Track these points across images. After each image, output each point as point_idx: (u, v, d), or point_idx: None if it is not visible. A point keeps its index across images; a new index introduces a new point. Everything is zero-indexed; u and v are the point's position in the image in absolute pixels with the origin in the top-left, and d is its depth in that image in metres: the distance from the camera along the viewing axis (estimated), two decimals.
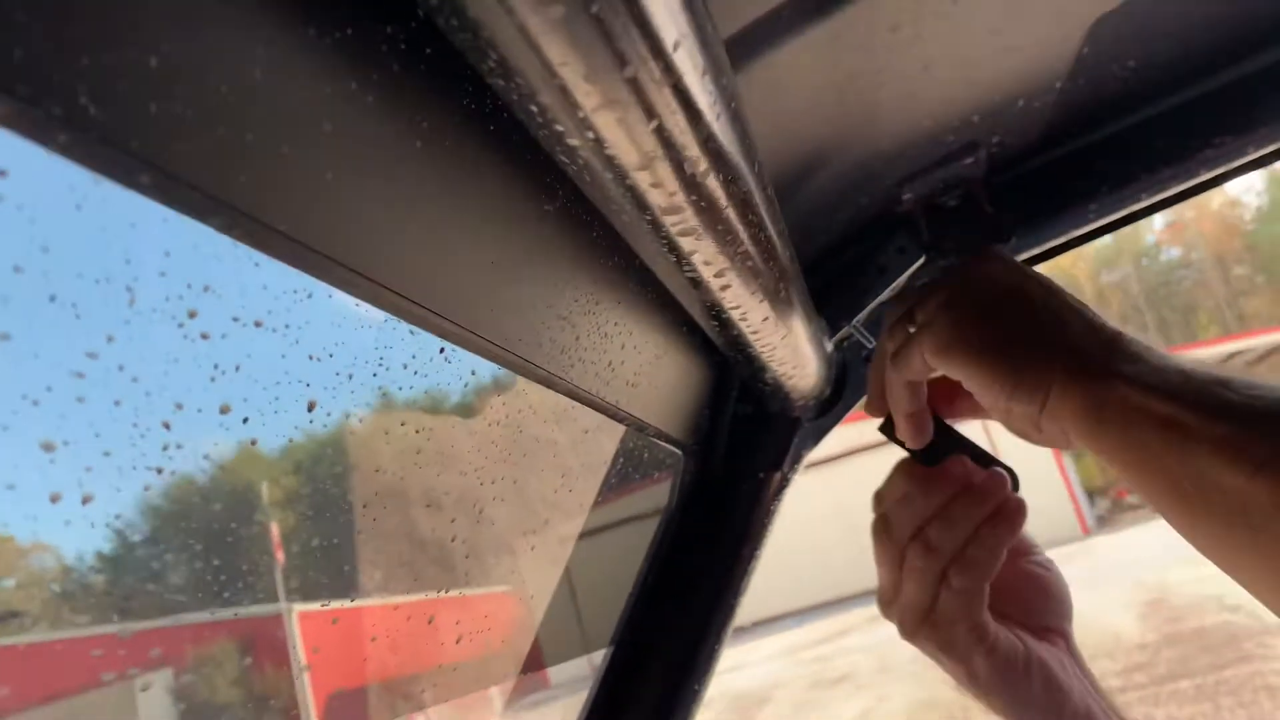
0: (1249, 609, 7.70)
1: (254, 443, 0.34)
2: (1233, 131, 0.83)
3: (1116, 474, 0.56)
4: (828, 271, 0.86)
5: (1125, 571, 12.30)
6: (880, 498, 0.76)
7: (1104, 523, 26.83)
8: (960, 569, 0.69)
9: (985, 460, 0.75)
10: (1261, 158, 0.86)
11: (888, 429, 0.79)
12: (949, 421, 0.78)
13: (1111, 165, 0.86)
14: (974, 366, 0.63)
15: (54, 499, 0.28)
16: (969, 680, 0.71)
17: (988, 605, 0.70)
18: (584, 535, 1.19)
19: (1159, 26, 0.75)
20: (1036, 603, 0.77)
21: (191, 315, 0.29)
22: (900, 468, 0.76)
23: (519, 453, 0.73)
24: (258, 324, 0.33)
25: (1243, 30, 0.78)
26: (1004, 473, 0.74)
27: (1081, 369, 0.58)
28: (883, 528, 0.75)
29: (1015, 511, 0.71)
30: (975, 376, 0.63)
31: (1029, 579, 0.79)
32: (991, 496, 0.71)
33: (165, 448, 0.32)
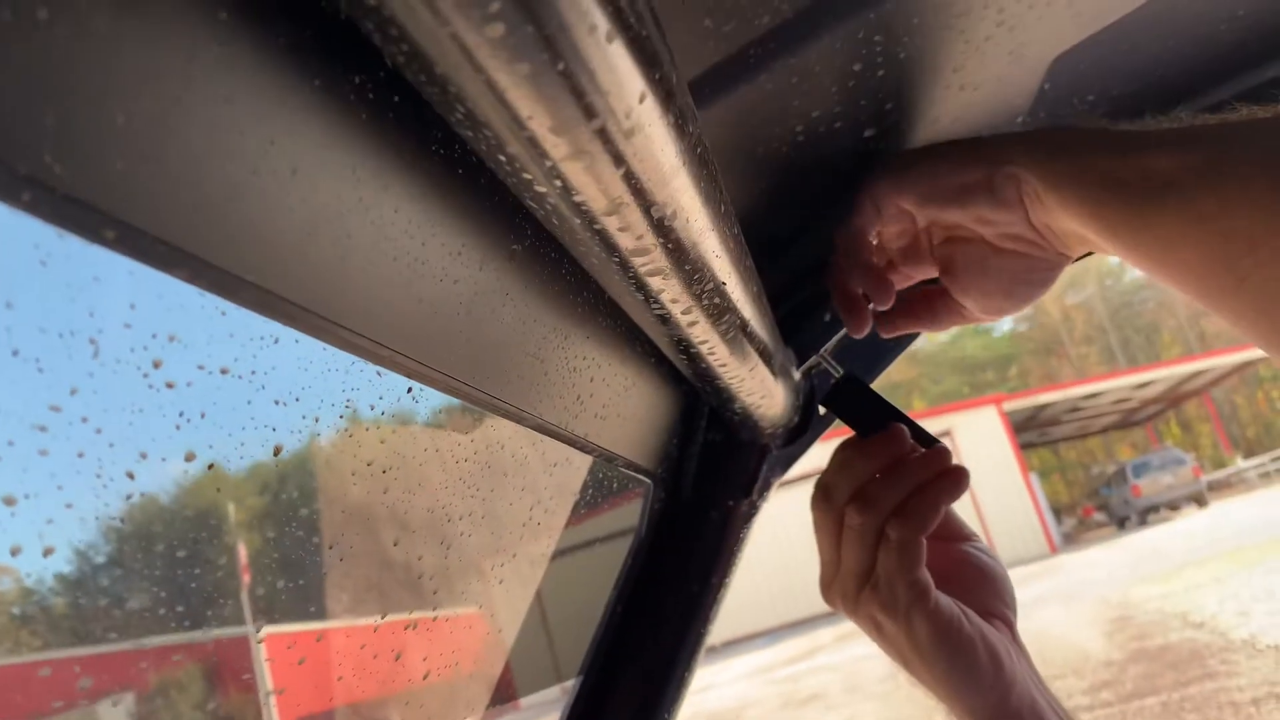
0: (1212, 625, 7.80)
1: (219, 490, 0.34)
2: None
3: (1073, 224, 0.60)
4: (795, 301, 0.87)
5: (1091, 589, 12.42)
6: (820, 478, 0.76)
7: (1070, 540, 27.09)
8: (898, 522, 0.69)
9: (927, 439, 0.75)
10: None
11: (834, 403, 0.79)
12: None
13: None
14: (925, 166, 0.67)
15: (14, 552, 0.28)
16: (910, 644, 0.70)
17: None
18: (556, 557, 1.18)
19: (1116, 63, 0.77)
20: (978, 586, 0.77)
21: (156, 365, 0.29)
22: (841, 446, 0.76)
23: (489, 482, 0.73)
24: (224, 371, 0.33)
25: (1196, 66, 0.80)
26: (947, 448, 0.74)
27: (1024, 133, 0.64)
28: (822, 495, 0.74)
29: (958, 474, 0.71)
30: (928, 174, 0.66)
31: (970, 563, 0.79)
32: (935, 463, 0.71)
33: (129, 497, 0.32)
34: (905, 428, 0.74)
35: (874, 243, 0.72)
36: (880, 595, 0.70)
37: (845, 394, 0.79)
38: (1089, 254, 0.66)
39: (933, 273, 0.73)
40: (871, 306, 0.74)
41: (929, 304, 0.76)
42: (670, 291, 0.47)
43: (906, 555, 0.69)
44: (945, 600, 0.71)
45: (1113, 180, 0.56)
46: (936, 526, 0.70)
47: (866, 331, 0.74)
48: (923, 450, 0.73)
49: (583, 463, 0.99)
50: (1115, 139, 0.58)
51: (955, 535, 0.80)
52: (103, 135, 0.23)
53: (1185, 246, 0.51)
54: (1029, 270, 0.68)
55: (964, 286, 0.71)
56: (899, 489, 0.70)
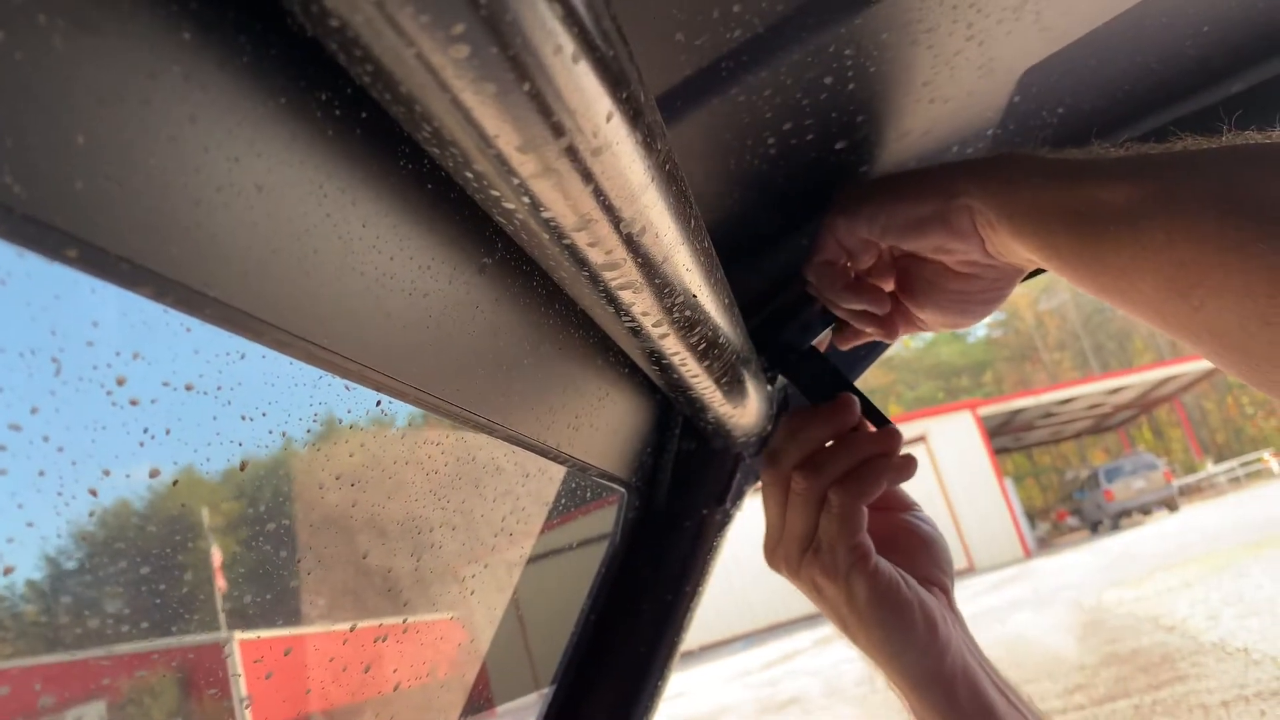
0: (1183, 629, 7.88)
1: (183, 505, 0.34)
2: None
3: (1015, 241, 0.61)
4: (768, 311, 0.87)
5: (1065, 593, 12.53)
6: (770, 444, 0.79)
7: (1044, 544, 27.30)
8: (840, 489, 0.72)
9: (880, 419, 0.77)
10: None
11: (786, 367, 0.81)
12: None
13: None
14: (882, 199, 0.68)
15: None
16: (848, 606, 0.73)
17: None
18: (535, 563, 1.18)
19: (1085, 77, 0.77)
20: (918, 553, 0.79)
21: (120, 382, 0.29)
22: (791, 414, 0.79)
23: (461, 493, 0.73)
24: (189, 387, 0.32)
25: (1163, 81, 0.81)
26: (898, 430, 0.77)
27: (976, 162, 0.66)
28: (770, 460, 0.77)
29: (906, 461, 0.74)
30: (885, 208, 0.68)
31: (910, 532, 0.81)
32: (883, 442, 0.74)
33: (91, 514, 0.32)
34: (856, 400, 0.77)
35: (846, 264, 0.74)
36: (821, 559, 0.73)
37: (800, 361, 0.80)
38: (1041, 270, 0.67)
39: (890, 286, 0.75)
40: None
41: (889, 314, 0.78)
42: (641, 305, 0.47)
43: (847, 521, 0.72)
44: (884, 565, 0.73)
45: (1064, 211, 0.57)
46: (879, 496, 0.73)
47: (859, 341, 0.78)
48: (874, 428, 0.76)
49: (558, 470, 0.99)
50: (1065, 168, 0.59)
51: (897, 504, 0.83)
52: (62, 155, 0.23)
53: (1138, 276, 0.52)
54: (984, 290, 0.70)
55: (920, 303, 0.73)
56: (844, 459, 0.73)
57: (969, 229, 0.64)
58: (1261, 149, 0.51)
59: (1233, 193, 0.48)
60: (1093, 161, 0.58)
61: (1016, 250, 0.62)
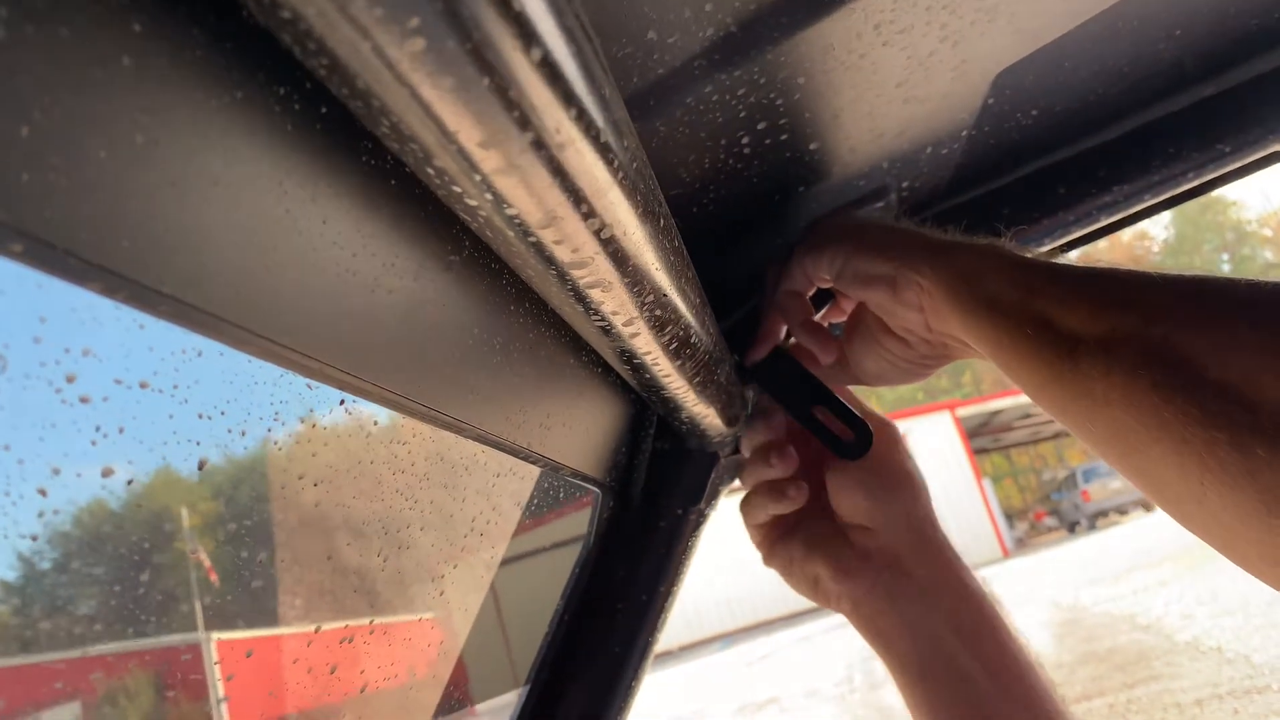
0: (1158, 628, 7.95)
1: (140, 506, 0.33)
2: (1129, 179, 0.86)
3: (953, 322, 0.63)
4: (742, 311, 0.87)
5: (1042, 592, 12.61)
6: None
7: (1022, 544, 27.48)
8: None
9: (846, 414, 0.79)
10: (1159, 203, 0.90)
11: (759, 375, 0.81)
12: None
13: (1017, 208, 0.89)
14: (845, 246, 0.71)
15: None
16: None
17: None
18: (514, 562, 1.17)
19: (1059, 79, 0.78)
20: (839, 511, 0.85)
21: (70, 380, 0.29)
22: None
23: (429, 493, 0.72)
24: (143, 385, 0.32)
25: (1136, 84, 0.82)
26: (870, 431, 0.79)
27: (940, 244, 0.66)
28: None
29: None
30: (843, 255, 0.70)
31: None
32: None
33: (41, 514, 0.31)
34: (826, 408, 0.79)
35: (809, 299, 0.78)
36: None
37: (772, 364, 0.80)
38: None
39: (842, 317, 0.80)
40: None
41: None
42: (611, 304, 0.47)
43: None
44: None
45: (1014, 328, 0.57)
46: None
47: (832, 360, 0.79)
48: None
49: (532, 470, 0.98)
50: (1025, 279, 0.58)
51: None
52: (5, 146, 0.22)
53: (1078, 420, 0.52)
54: (915, 358, 0.73)
55: (858, 352, 0.76)
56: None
57: (913, 302, 0.66)
58: (1218, 286, 0.49)
59: (1169, 356, 0.47)
60: (1055, 276, 0.57)
61: (963, 337, 0.63)
